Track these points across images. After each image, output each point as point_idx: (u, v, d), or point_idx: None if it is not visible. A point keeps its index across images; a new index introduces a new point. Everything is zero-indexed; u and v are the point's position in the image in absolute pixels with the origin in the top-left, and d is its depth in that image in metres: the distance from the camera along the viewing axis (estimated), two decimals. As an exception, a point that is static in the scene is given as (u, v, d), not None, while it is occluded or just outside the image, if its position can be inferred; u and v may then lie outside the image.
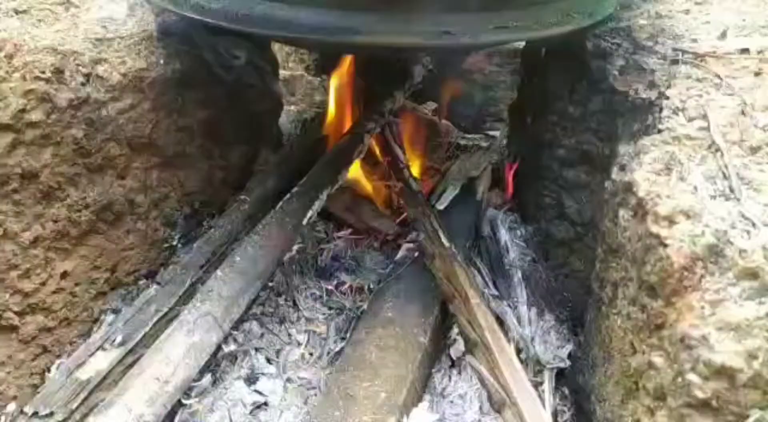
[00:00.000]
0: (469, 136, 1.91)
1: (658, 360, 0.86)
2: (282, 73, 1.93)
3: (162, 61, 1.29)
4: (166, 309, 1.13)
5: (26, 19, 1.39)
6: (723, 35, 1.18)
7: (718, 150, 0.95)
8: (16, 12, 1.40)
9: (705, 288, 0.80)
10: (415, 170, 1.61)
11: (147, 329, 1.09)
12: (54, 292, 1.19)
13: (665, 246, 0.85)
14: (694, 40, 1.18)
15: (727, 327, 0.77)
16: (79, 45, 1.26)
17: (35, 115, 1.10)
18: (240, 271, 1.14)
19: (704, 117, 1.00)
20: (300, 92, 1.87)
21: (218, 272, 1.14)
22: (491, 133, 1.93)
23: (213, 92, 1.37)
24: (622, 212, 0.97)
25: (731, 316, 0.77)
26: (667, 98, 1.06)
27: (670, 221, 0.87)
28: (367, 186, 1.52)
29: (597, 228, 1.31)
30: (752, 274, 0.79)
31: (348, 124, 1.56)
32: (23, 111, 1.08)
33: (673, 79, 1.10)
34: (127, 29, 1.36)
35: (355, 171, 1.51)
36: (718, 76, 1.07)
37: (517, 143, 1.56)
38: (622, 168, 1.01)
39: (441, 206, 1.44)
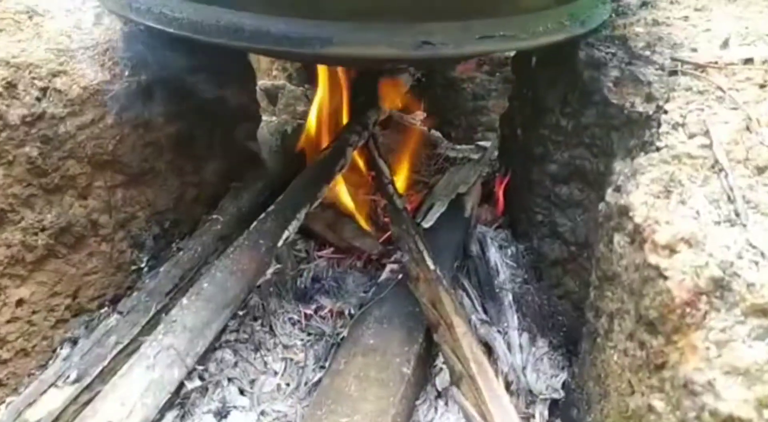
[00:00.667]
0: (459, 147, 1.83)
1: (658, 404, 0.78)
2: (263, 82, 1.85)
3: (127, 73, 1.21)
4: (126, 341, 1.04)
5: (-15, 30, 1.31)
6: (725, 44, 1.10)
7: (721, 170, 0.87)
8: (-24, 24, 1.32)
9: (710, 326, 0.73)
10: (401, 184, 1.54)
11: (105, 363, 1.01)
12: (8, 322, 1.11)
13: (665, 278, 0.77)
14: (694, 50, 1.10)
15: (734, 372, 0.69)
16: (39, 56, 1.18)
17: (-16, 133, 1.02)
18: (207, 299, 1.06)
19: (706, 133, 0.92)
20: (282, 102, 1.79)
21: (183, 300, 1.05)
22: (482, 143, 1.86)
23: (183, 105, 1.29)
24: (617, 238, 0.89)
25: (739, 359, 0.69)
26: (666, 112, 0.98)
27: (671, 250, 0.79)
28: (350, 202, 1.44)
29: (592, 249, 1.24)
30: (762, 311, 0.71)
31: (329, 137, 1.48)
32: (-30, 129, 1.00)
33: (671, 92, 1.02)
34: (92, 39, 1.28)
35: (337, 186, 1.43)
36: (721, 89, 0.99)
37: (508, 156, 1.48)
38: (618, 189, 0.93)
39: (427, 224, 1.36)
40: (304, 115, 1.79)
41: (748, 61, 1.06)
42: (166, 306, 1.11)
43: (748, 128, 0.93)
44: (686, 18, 1.21)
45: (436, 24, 0.99)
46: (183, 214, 1.36)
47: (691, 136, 0.94)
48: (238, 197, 1.34)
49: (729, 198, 0.84)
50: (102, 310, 1.20)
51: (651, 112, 1.04)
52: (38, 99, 1.09)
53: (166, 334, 1.00)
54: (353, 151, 1.43)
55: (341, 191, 1.45)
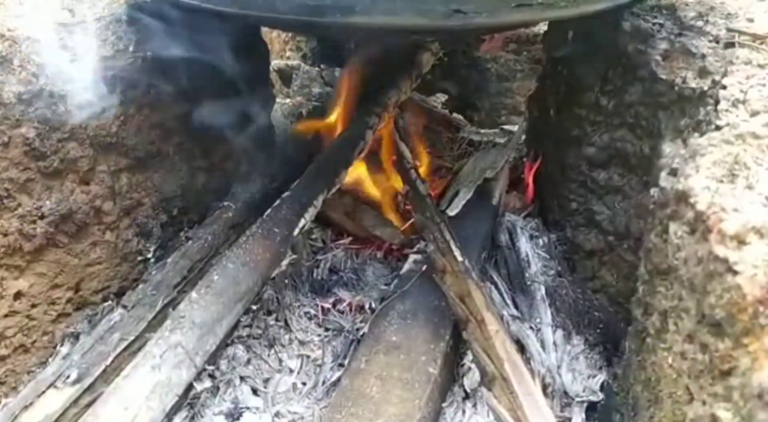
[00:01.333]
0: (484, 131, 1.73)
1: (724, 414, 0.69)
2: (277, 62, 1.76)
3: (131, 48, 1.12)
4: (131, 338, 0.97)
5: (-17, 5, 1.23)
6: (787, 13, 1.00)
7: (792, 151, 0.78)
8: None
9: (788, 328, 0.64)
10: (424, 170, 1.45)
11: (108, 362, 0.93)
12: (6, 316, 1.04)
13: (734, 272, 0.68)
14: (750, 20, 1.00)
15: (819, 381, 0.60)
16: (38, 31, 1.10)
17: (-24, 113, 0.94)
18: (218, 293, 0.98)
19: (772, 110, 0.83)
20: (296, 84, 1.70)
21: (193, 294, 0.97)
22: (507, 127, 1.76)
23: (192, 83, 1.20)
24: (674, 227, 0.80)
25: (824, 366, 0.60)
26: (724, 88, 0.89)
27: (740, 241, 0.69)
28: (370, 188, 1.35)
29: (633, 239, 1.14)
30: None
31: (347, 119, 1.39)
32: (-40, 107, 0.92)
33: (729, 66, 0.92)
34: (95, 13, 1.19)
35: (356, 171, 1.34)
36: (786, 57, 0.89)
37: (538, 139, 1.39)
38: (673, 172, 0.83)
39: (452, 212, 1.27)
40: (320, 97, 1.70)
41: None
42: (173, 300, 1.03)
43: (819, 105, 0.83)
44: (739, -12, 1.11)
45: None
46: (192, 201, 1.28)
47: (754, 114, 0.84)
48: (250, 183, 1.26)
49: (802, 181, 0.74)
50: (106, 304, 1.12)
51: (706, 88, 0.94)
52: (35, 75, 1.01)
53: (174, 331, 0.92)
54: (373, 133, 1.34)
55: (360, 176, 1.36)
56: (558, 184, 1.28)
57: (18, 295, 1.04)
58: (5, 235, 1.00)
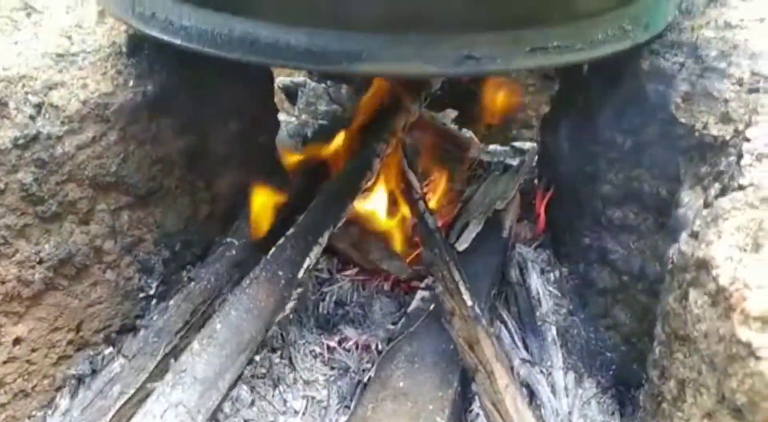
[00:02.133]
0: (494, 149, 1.69)
1: None
2: (282, 79, 1.72)
3: (132, 83, 1.09)
4: (132, 391, 0.94)
5: (-20, 31, 1.20)
6: (814, 53, 0.95)
7: (821, 216, 0.74)
8: (-31, 23, 1.21)
9: (816, 423, 0.60)
10: (433, 195, 1.41)
11: (108, 419, 0.91)
12: (5, 362, 1.02)
13: (758, 358, 0.64)
14: (777, 60, 0.95)
15: None
16: (36, 62, 1.06)
17: (-30, 161, 0.91)
18: (221, 344, 0.95)
19: (799, 169, 0.79)
20: (302, 101, 1.66)
21: (195, 345, 0.95)
22: (518, 144, 1.72)
23: (194, 115, 1.17)
24: (694, 295, 0.76)
25: None
26: (748, 140, 0.85)
27: (764, 322, 0.66)
28: (377, 218, 1.32)
29: (648, 281, 1.11)
30: None
31: (354, 146, 1.35)
32: (-46, 157, 0.90)
33: (754, 114, 0.88)
34: (94, 41, 1.16)
35: (363, 200, 1.31)
36: (816, 110, 0.85)
37: (551, 169, 1.34)
38: (695, 236, 0.79)
39: (462, 246, 1.24)
40: (326, 115, 1.66)
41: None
42: (176, 347, 1.01)
43: None
44: (762, 20, 1.06)
45: (479, 35, 0.86)
46: (195, 235, 1.25)
47: (781, 170, 0.80)
48: (255, 216, 1.23)
49: (831, 252, 0.71)
50: (107, 351, 1.10)
51: (728, 137, 0.90)
52: (32, 117, 0.98)
53: (175, 387, 0.89)
54: (380, 161, 1.31)
55: (368, 205, 1.32)
56: (570, 218, 1.25)
57: (17, 341, 1.02)
58: (3, 283, 0.98)
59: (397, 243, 1.31)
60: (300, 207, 1.25)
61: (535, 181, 1.42)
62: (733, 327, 0.67)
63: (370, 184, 1.29)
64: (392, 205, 1.32)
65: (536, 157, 1.47)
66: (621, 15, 0.96)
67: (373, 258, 1.29)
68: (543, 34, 0.89)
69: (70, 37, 1.16)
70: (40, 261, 1.01)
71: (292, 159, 1.34)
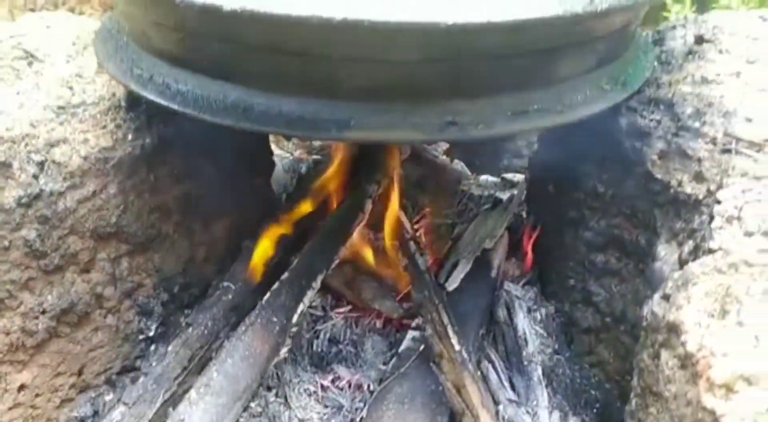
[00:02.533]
0: (484, 180, 1.74)
1: None
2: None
3: (130, 137, 1.13)
4: (132, 440, 0.98)
5: (-18, 80, 1.24)
6: (783, 113, 0.99)
7: (783, 281, 0.78)
8: (-28, 72, 1.25)
9: (775, 491, 0.64)
10: (424, 232, 1.45)
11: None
12: (10, 409, 1.06)
13: (722, 425, 0.69)
14: (749, 120, 0.99)
15: None
16: (37, 115, 1.10)
17: (-23, 221, 0.95)
18: (217, 392, 0.99)
19: (765, 233, 0.83)
20: (297, 136, 1.70)
21: (192, 393, 0.99)
22: (509, 176, 1.76)
23: (190, 163, 1.21)
24: (665, 356, 0.81)
25: None
26: (719, 202, 0.89)
27: (728, 389, 0.70)
28: (369, 257, 1.36)
29: (629, 324, 1.15)
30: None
31: (346, 187, 1.39)
32: (-39, 219, 0.94)
33: (725, 176, 0.92)
34: (94, 91, 1.20)
35: (355, 240, 1.35)
36: (782, 175, 0.89)
37: (538, 210, 1.39)
38: (666, 298, 0.84)
39: (451, 287, 1.28)
40: (321, 149, 1.70)
41: (810, 138, 0.95)
42: (174, 394, 1.05)
43: (813, 227, 0.83)
44: (738, 74, 1.09)
45: (462, 102, 0.90)
46: (193, 277, 1.29)
47: (748, 234, 0.85)
48: (250, 259, 1.27)
49: (792, 317, 0.75)
50: (108, 398, 1.14)
51: (701, 197, 0.95)
52: (35, 176, 1.02)
53: (173, 438, 0.93)
54: (372, 202, 1.35)
55: (360, 244, 1.36)
56: (556, 258, 1.29)
57: (22, 387, 1.07)
58: (7, 334, 1.02)
59: (389, 282, 1.35)
60: (295, 248, 1.30)
61: (524, 214, 1.46)
62: (699, 393, 0.72)
63: (362, 225, 1.33)
64: (384, 244, 1.36)
65: (525, 194, 1.51)
66: (600, 75, 1.01)
67: (366, 297, 1.33)
68: (523, 98, 0.92)
69: (71, 88, 1.20)
70: (44, 312, 1.05)
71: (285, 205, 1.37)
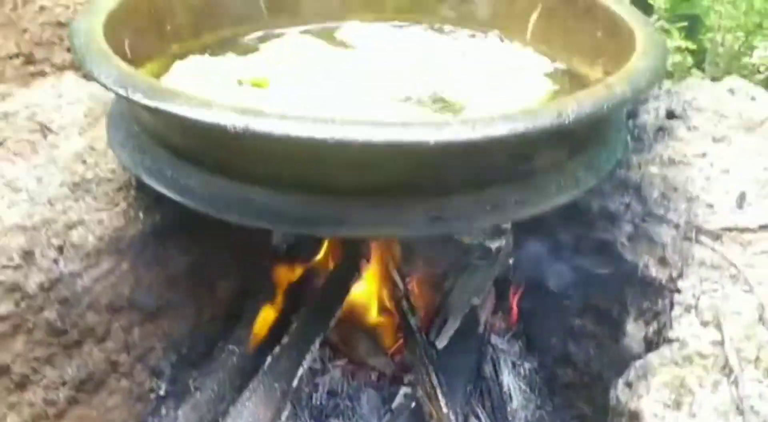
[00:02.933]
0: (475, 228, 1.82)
1: None
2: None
3: (141, 215, 1.22)
4: None
5: (2, 154, 1.33)
6: (741, 199, 1.08)
7: (732, 372, 0.87)
8: (-7, 145, 1.34)
9: None
10: (416, 286, 1.54)
11: None
12: (34, 473, 1.15)
13: None
14: (710, 206, 1.08)
15: None
16: (54, 192, 1.20)
17: (4, 308, 1.04)
18: (224, 461, 1.08)
19: (718, 326, 0.92)
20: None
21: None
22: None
23: (198, 235, 1.30)
24: (628, 439, 0.90)
25: None
26: (679, 292, 0.98)
27: (680, 477, 0.80)
28: (363, 315, 1.45)
29: (604, 386, 1.24)
30: None
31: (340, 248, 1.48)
32: (-9, 307, 1.03)
33: (685, 266, 1.01)
34: (106, 165, 1.29)
35: (351, 298, 1.44)
36: (735, 266, 0.98)
37: (523, 269, 1.48)
38: (629, 385, 0.93)
39: (441, 344, 1.36)
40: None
41: (764, 227, 1.04)
42: (184, 459, 1.14)
43: (760, 318, 0.92)
44: (704, 155, 1.18)
45: (445, 199, 0.99)
46: (199, 336, 1.38)
47: (704, 324, 0.94)
48: (254, 322, 1.36)
49: (738, 408, 0.84)
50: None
51: (664, 281, 1.04)
52: (55, 261, 1.11)
53: None
54: (367, 261, 1.44)
55: (355, 302, 1.45)
56: (538, 317, 1.38)
57: (44, 453, 1.16)
58: (31, 405, 1.11)
59: (383, 337, 1.44)
60: (295, 307, 1.39)
61: (510, 279, 1.55)
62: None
63: (357, 283, 1.42)
64: (378, 302, 1.45)
65: (511, 248, 1.60)
66: (574, 164, 1.09)
67: (361, 353, 1.42)
68: (502, 193, 1.01)
69: (84, 161, 1.29)
70: (64, 383, 1.14)
71: (282, 267, 1.46)
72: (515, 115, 0.90)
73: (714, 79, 1.61)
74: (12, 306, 1.05)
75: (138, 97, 0.93)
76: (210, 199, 1.02)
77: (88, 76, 1.05)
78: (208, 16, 1.48)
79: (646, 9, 1.79)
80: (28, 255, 1.08)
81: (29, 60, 2.60)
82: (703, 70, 1.86)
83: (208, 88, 1.22)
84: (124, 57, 1.22)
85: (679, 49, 1.80)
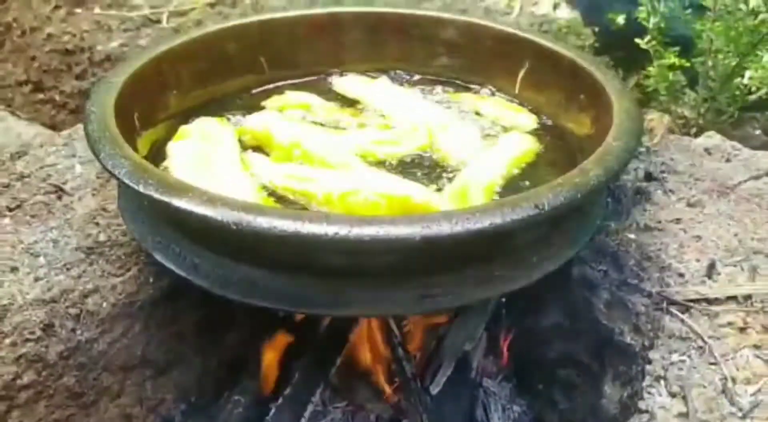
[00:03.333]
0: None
1: None
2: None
3: (152, 280, 1.30)
4: None
5: (18, 216, 1.41)
6: (711, 269, 1.15)
7: (696, 445, 0.95)
8: (9, 209, 1.43)
9: None
10: (412, 330, 1.62)
11: None
12: None
13: None
14: (681, 275, 1.15)
15: None
16: (70, 257, 1.28)
17: (27, 378, 1.13)
18: None
19: (684, 398, 1.00)
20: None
21: None
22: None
23: (206, 295, 1.38)
24: None
25: None
26: (650, 362, 1.06)
27: None
28: (362, 358, 1.53)
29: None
30: None
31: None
32: (15, 378, 1.11)
33: (656, 336, 1.09)
34: (119, 227, 1.37)
35: (349, 347, 1.52)
36: (702, 339, 1.06)
37: (512, 317, 1.56)
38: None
39: (435, 390, 1.45)
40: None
41: (731, 298, 1.11)
42: None
43: (724, 390, 1.00)
44: (678, 220, 1.26)
45: (433, 279, 1.06)
46: (207, 384, 1.47)
47: (672, 395, 1.01)
48: (258, 372, 1.44)
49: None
50: None
51: (637, 349, 1.12)
52: (73, 330, 1.20)
53: None
54: (365, 310, 1.52)
55: (354, 347, 1.54)
56: (526, 363, 1.46)
57: None
58: (52, 463, 1.20)
59: (380, 382, 1.53)
60: (299, 355, 1.47)
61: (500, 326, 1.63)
62: None
63: (356, 331, 1.50)
64: (375, 349, 1.53)
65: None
66: (554, 238, 1.17)
67: (359, 397, 1.50)
68: (486, 269, 1.09)
69: (97, 223, 1.38)
70: (83, 441, 1.23)
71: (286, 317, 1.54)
72: (495, 209, 0.98)
73: (698, 128, 1.68)
74: (34, 375, 1.14)
75: (150, 192, 1.01)
76: (215, 278, 1.10)
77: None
78: (212, 75, 1.56)
79: (640, 30, 1.86)
80: (48, 327, 1.16)
81: (38, 87, 2.69)
82: (696, 92, 1.91)
83: (213, 155, 1.31)
84: (132, 130, 1.32)
85: (672, 67, 1.87)
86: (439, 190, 1.25)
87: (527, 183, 1.24)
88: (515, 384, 1.54)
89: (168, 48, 1.49)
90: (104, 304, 1.25)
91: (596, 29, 2.21)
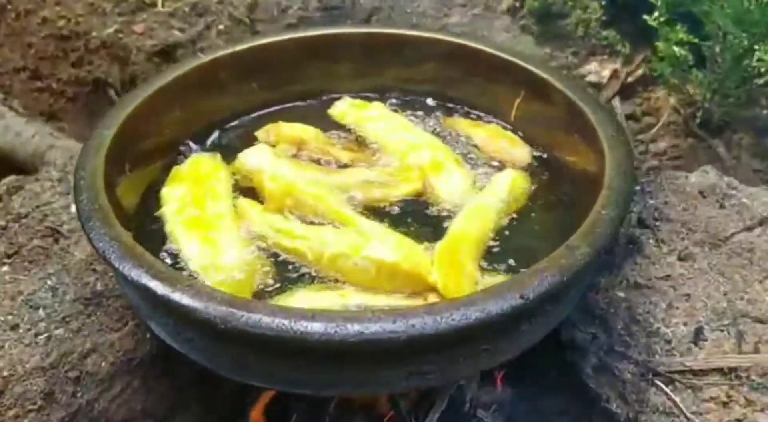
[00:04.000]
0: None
1: None
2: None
3: (149, 335, 1.33)
4: None
5: (17, 263, 1.44)
6: (697, 335, 1.16)
7: None
8: (8, 255, 1.45)
9: None
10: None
11: None
12: None
13: None
14: (669, 342, 1.16)
15: None
16: (69, 309, 1.31)
17: (31, 448, 1.17)
18: None
19: (666, 477, 1.03)
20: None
21: None
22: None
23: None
24: None
25: None
26: (636, 438, 1.08)
27: None
28: (357, 399, 1.56)
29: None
30: None
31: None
32: (19, 449, 1.16)
33: (642, 408, 1.11)
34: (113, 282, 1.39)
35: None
36: (685, 415, 1.08)
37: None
38: None
39: (429, 427, 1.49)
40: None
41: (716, 370, 1.13)
42: None
43: (705, 469, 1.03)
44: (668, 277, 1.26)
45: (420, 357, 1.07)
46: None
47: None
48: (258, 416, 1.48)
49: None
50: None
51: (623, 420, 1.14)
52: (74, 394, 1.23)
53: None
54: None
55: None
56: (520, 404, 1.49)
57: None
58: None
59: (375, 418, 1.57)
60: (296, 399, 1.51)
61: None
62: None
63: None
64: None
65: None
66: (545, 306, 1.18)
67: (356, 434, 1.55)
68: (473, 346, 1.11)
69: (95, 270, 1.40)
70: (86, 494, 1.28)
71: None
72: (479, 302, 0.99)
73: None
74: (38, 444, 1.18)
75: (139, 279, 1.02)
76: (211, 356, 1.12)
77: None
78: (205, 107, 1.55)
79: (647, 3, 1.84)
80: (48, 395, 1.20)
81: (35, 75, 2.66)
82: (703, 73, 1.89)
83: (206, 202, 1.31)
84: (123, 172, 1.31)
85: (680, 43, 1.84)
86: (432, 241, 1.24)
87: (518, 236, 1.23)
88: (509, 412, 1.57)
89: (159, 86, 1.46)
90: (103, 364, 1.27)
91: (603, 2, 2.15)
